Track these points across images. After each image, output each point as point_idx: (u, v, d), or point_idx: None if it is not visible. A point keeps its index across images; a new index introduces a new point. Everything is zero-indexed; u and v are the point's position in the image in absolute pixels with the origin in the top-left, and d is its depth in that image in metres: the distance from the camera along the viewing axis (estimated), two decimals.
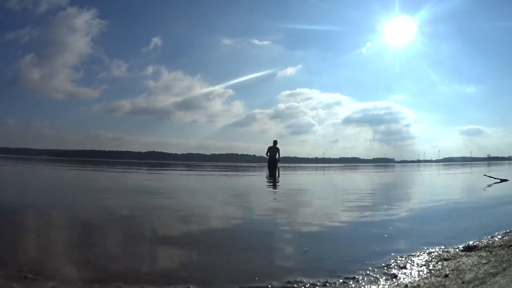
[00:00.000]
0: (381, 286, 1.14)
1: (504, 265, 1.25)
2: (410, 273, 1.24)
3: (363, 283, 1.16)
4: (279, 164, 14.64)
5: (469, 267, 1.26)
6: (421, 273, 1.24)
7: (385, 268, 1.29)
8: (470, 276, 1.17)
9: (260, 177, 7.84)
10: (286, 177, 7.84)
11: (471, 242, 1.59)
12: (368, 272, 1.25)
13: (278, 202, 3.45)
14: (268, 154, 14.33)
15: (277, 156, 14.43)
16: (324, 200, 3.63)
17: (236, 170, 13.19)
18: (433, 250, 1.49)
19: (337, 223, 2.20)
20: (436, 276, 1.20)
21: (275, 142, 14.57)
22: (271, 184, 5.96)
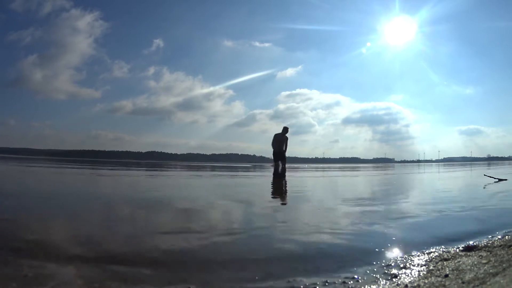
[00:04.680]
0: (381, 286, 1.14)
1: (504, 265, 1.25)
2: (410, 273, 1.24)
3: (363, 283, 1.16)
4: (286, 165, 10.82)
5: (469, 267, 1.26)
6: (421, 273, 1.24)
7: (385, 268, 1.29)
8: (470, 276, 1.17)
9: (261, 181, 7.61)
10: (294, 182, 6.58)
11: (471, 242, 1.59)
12: (368, 272, 1.25)
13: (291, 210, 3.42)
14: (274, 143, 10.50)
15: (284, 147, 10.56)
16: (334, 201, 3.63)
17: (232, 172, 10.33)
18: (433, 250, 1.49)
19: (337, 222, 2.20)
20: (436, 276, 1.20)
21: (285, 130, 10.64)
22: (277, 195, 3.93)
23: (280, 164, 10.65)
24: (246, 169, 12.53)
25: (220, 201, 3.35)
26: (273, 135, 10.86)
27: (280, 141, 10.61)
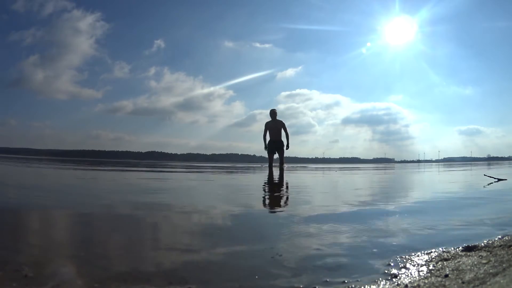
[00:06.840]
0: (381, 286, 1.14)
1: (504, 265, 1.25)
2: (410, 273, 1.24)
3: (363, 283, 1.15)
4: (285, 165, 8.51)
5: (469, 267, 1.26)
6: (421, 273, 1.24)
7: (385, 268, 1.29)
8: (470, 276, 1.17)
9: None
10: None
11: (471, 242, 1.58)
12: (368, 272, 1.25)
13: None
14: (268, 134, 8.31)
15: (282, 136, 8.33)
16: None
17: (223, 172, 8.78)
18: (433, 250, 1.49)
19: (337, 221, 2.20)
20: (436, 276, 1.20)
21: (273, 113, 8.41)
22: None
23: (278, 162, 8.43)
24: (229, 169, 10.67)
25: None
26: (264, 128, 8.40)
27: (274, 127, 8.34)
